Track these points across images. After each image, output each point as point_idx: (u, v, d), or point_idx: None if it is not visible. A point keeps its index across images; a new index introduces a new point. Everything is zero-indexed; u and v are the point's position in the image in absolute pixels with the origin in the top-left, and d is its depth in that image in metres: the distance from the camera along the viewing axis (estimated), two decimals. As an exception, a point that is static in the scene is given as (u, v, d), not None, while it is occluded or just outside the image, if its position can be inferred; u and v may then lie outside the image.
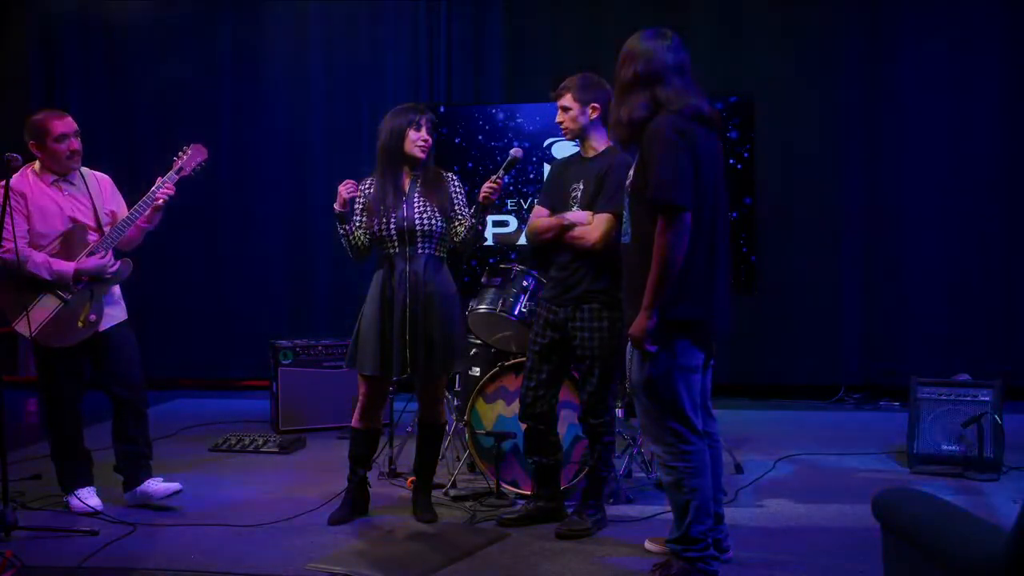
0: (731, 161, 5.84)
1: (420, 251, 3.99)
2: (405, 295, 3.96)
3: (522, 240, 5.86)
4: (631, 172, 3.39)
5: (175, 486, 4.30)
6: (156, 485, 4.30)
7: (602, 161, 3.86)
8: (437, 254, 4.04)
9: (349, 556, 3.70)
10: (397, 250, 4.00)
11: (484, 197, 3.91)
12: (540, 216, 3.99)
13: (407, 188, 4.04)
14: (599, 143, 3.91)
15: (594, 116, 3.86)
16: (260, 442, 5.53)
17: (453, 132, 6.22)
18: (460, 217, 4.06)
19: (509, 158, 4.00)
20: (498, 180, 3.91)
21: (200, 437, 5.78)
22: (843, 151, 6.90)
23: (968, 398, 4.80)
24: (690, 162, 3.19)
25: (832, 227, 6.92)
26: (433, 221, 3.99)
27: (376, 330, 3.98)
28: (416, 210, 3.99)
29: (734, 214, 5.83)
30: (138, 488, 4.30)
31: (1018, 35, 6.67)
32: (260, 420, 6.22)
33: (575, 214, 3.85)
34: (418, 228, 3.97)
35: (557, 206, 3.95)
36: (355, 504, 4.19)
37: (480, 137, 6.20)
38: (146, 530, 4.02)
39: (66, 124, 4.16)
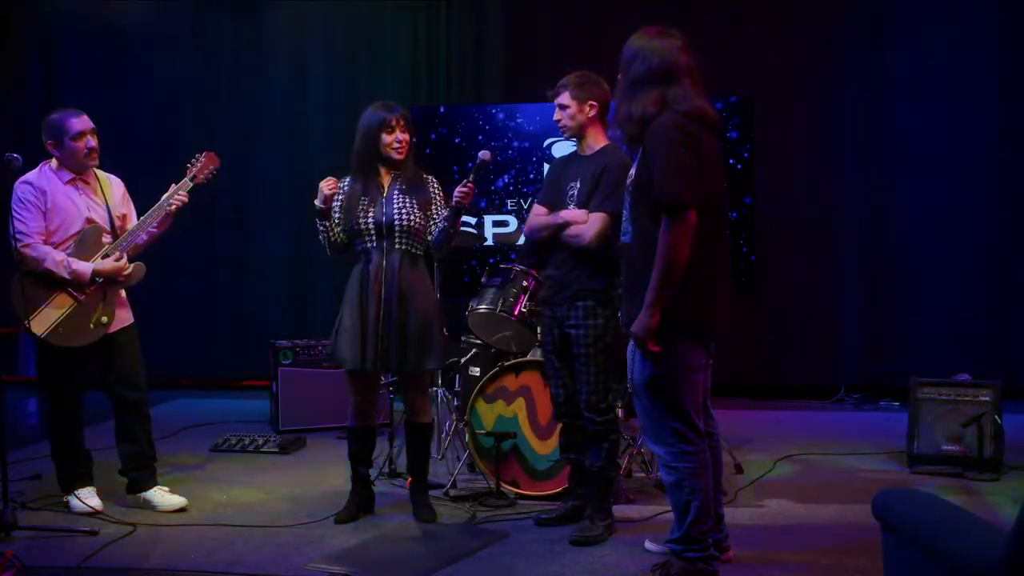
0: (731, 161, 5.84)
1: (397, 246, 4.01)
2: (381, 289, 3.98)
3: (522, 240, 5.85)
4: (632, 171, 3.39)
5: (180, 501, 4.29)
6: (161, 497, 4.29)
7: (599, 159, 3.87)
8: (414, 251, 4.06)
9: (349, 556, 3.71)
10: (374, 244, 4.02)
11: (457, 202, 3.93)
12: (538, 215, 3.99)
13: (387, 185, 4.06)
14: (596, 141, 3.92)
15: (592, 113, 3.87)
16: (260, 442, 5.52)
17: (453, 132, 6.22)
18: (435, 219, 4.07)
19: (478, 162, 3.99)
20: (469, 184, 3.92)
21: (200, 437, 5.78)
22: (843, 151, 6.89)
23: (968, 398, 4.80)
24: (695, 161, 3.20)
25: (832, 227, 6.92)
26: (412, 218, 4.01)
27: (355, 324, 4.00)
28: (395, 206, 4.01)
29: (734, 214, 5.83)
30: (142, 494, 4.30)
31: (1018, 35, 6.67)
32: (260, 420, 6.22)
33: (571, 212, 3.86)
34: (396, 223, 3.99)
35: (555, 204, 3.95)
36: (360, 503, 4.20)
37: (480, 137, 6.20)
38: (146, 530, 4.02)
39: (83, 122, 4.18)
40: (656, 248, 3.19)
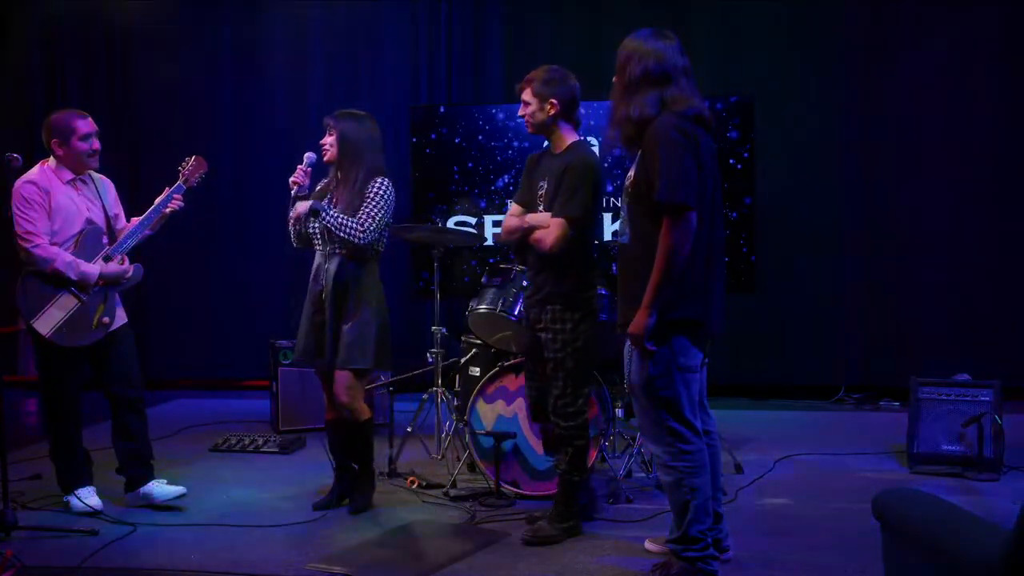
0: (731, 161, 5.84)
1: (336, 250, 4.12)
2: (320, 290, 4.14)
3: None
4: (631, 172, 3.39)
5: (179, 489, 4.31)
6: (160, 488, 4.31)
7: (565, 158, 3.85)
8: (355, 255, 4.12)
9: (349, 556, 3.71)
10: (320, 247, 4.19)
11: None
12: (512, 215, 4.00)
13: (331, 190, 4.18)
14: (562, 139, 3.90)
15: (552, 112, 3.84)
16: (260, 442, 5.53)
17: (453, 132, 6.22)
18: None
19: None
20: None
21: (200, 437, 5.78)
22: (843, 151, 6.89)
23: (968, 398, 4.80)
24: (694, 163, 3.20)
25: (832, 227, 6.91)
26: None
27: (303, 320, 4.23)
28: (342, 231, 4.08)
29: (734, 214, 5.83)
30: (141, 489, 4.31)
31: (1018, 35, 6.67)
32: (260, 420, 6.22)
33: (535, 216, 3.86)
34: (354, 242, 4.07)
35: (528, 202, 3.96)
36: (342, 491, 4.29)
37: (480, 137, 6.20)
38: (146, 530, 4.02)
39: (89, 124, 4.22)
40: (654, 249, 3.19)
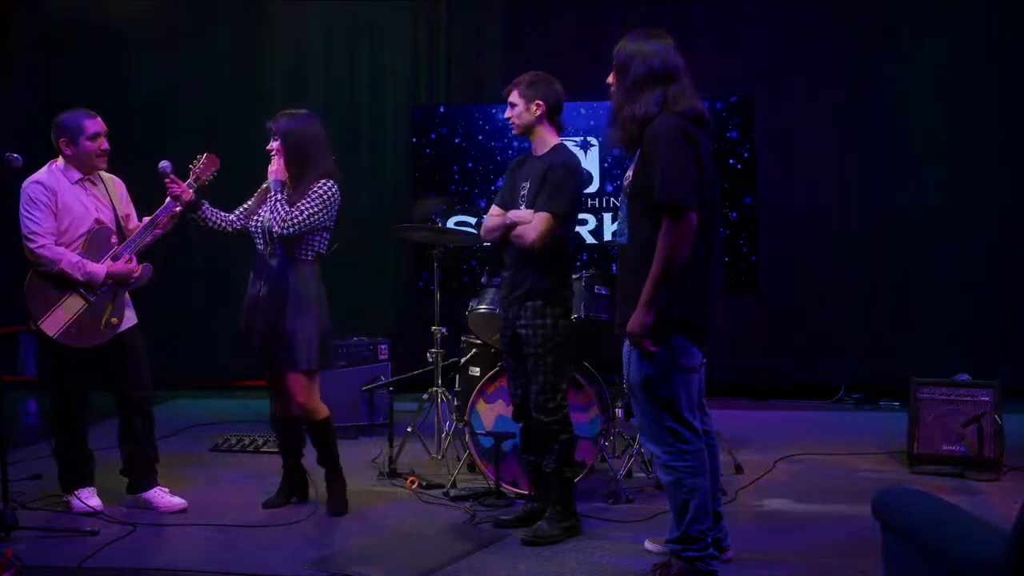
0: (731, 161, 5.85)
1: (277, 251, 4.11)
2: (259, 291, 4.13)
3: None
4: (629, 172, 3.40)
5: (180, 503, 4.29)
6: (161, 498, 4.30)
7: (548, 159, 3.88)
8: (296, 255, 4.11)
9: (348, 556, 3.71)
10: (261, 247, 4.17)
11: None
12: (493, 215, 4.01)
13: (271, 190, 4.13)
14: (545, 141, 3.93)
15: (538, 113, 3.89)
16: (260, 442, 5.53)
17: (453, 132, 6.23)
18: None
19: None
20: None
21: (200, 437, 5.78)
22: (843, 151, 6.90)
23: (968, 398, 4.80)
24: (694, 163, 3.20)
25: (832, 227, 6.92)
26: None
27: (245, 322, 4.22)
28: (278, 213, 4.05)
29: (734, 214, 5.84)
30: (143, 494, 4.31)
31: (1018, 35, 6.68)
32: (260, 420, 6.21)
33: (517, 212, 3.88)
34: (274, 230, 4.06)
35: (509, 205, 3.98)
36: (289, 490, 4.35)
37: (480, 137, 6.21)
38: (146, 530, 4.02)
39: (99, 124, 4.22)
40: (653, 249, 3.19)
